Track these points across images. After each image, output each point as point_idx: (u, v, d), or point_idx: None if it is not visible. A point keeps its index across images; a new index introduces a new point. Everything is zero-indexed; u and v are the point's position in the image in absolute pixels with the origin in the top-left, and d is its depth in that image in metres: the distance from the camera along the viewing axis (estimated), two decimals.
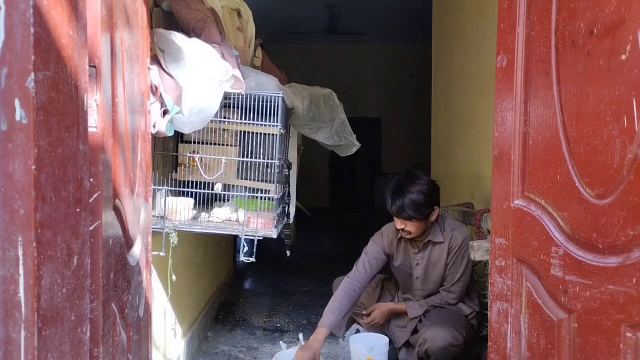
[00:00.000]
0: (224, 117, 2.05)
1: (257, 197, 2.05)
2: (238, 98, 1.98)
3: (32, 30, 0.70)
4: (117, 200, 1.16)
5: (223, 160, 2.00)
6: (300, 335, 2.50)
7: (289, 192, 2.53)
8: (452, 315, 2.37)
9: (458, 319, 2.35)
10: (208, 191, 2.04)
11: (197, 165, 1.99)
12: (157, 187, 1.88)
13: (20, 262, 0.70)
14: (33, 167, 0.71)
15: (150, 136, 1.52)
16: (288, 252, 2.54)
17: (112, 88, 1.11)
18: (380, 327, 2.59)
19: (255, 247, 2.00)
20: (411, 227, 2.28)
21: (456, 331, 2.24)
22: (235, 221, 2.04)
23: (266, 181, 2.12)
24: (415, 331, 2.45)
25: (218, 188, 2.04)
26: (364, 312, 2.57)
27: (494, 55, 1.53)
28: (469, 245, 2.12)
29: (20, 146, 0.70)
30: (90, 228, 0.97)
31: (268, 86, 2.08)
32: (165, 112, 1.60)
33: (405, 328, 2.52)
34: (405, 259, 2.45)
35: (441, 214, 2.44)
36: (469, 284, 2.48)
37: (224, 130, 2.08)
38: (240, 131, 2.10)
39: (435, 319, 2.34)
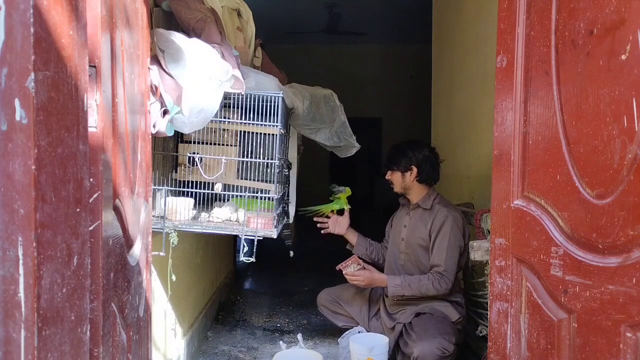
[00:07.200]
0: (224, 117, 2.05)
1: (257, 197, 2.05)
2: (238, 98, 1.97)
3: (32, 30, 0.70)
4: (117, 200, 1.16)
5: (223, 160, 2.00)
6: (300, 336, 2.50)
7: (288, 192, 2.53)
8: (437, 324, 2.35)
9: (445, 327, 2.34)
10: (208, 191, 2.04)
11: (197, 165, 1.99)
12: (157, 187, 1.88)
13: (20, 262, 0.70)
14: (33, 167, 0.71)
15: (150, 136, 1.52)
16: (292, 253, 2.54)
17: (112, 88, 1.11)
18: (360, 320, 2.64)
19: (255, 247, 2.00)
20: (392, 177, 2.57)
21: (444, 340, 2.23)
22: (235, 221, 2.04)
23: (266, 181, 2.11)
24: (401, 334, 2.47)
25: (218, 188, 2.04)
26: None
27: (494, 55, 1.53)
28: (454, 224, 2.40)
29: (20, 146, 0.70)
30: (90, 228, 0.97)
31: (268, 86, 2.08)
32: (165, 112, 1.60)
33: (390, 329, 2.55)
34: (398, 224, 2.70)
35: (439, 194, 2.63)
36: (455, 278, 2.50)
37: (224, 130, 2.08)
38: (240, 131, 2.10)
39: (421, 330, 2.34)
